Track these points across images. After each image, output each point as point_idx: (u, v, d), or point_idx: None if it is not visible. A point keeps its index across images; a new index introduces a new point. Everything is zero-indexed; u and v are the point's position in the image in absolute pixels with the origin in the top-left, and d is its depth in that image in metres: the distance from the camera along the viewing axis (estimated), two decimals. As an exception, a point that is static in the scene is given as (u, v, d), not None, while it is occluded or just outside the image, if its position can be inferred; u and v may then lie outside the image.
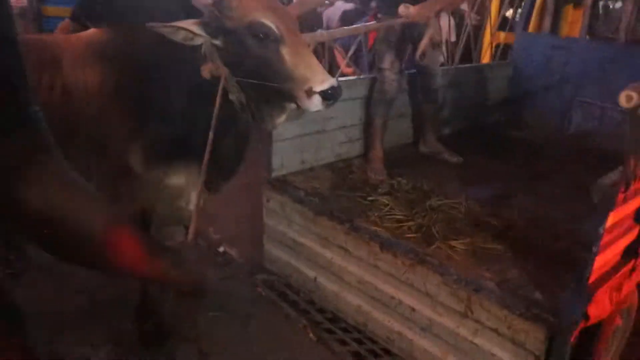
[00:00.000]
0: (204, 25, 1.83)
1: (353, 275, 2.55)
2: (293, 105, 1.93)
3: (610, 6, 4.78)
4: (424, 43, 2.83)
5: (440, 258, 2.25)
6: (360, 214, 2.60)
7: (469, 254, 2.29)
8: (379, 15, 3.14)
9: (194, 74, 1.93)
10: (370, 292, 2.49)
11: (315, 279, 2.78)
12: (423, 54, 2.90)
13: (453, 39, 5.07)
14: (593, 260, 1.76)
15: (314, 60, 1.88)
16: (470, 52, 4.55)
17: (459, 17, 5.60)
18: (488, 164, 3.56)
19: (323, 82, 1.81)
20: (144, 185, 2.08)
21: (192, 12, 1.92)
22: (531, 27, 4.79)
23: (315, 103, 1.82)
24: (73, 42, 2.04)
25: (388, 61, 3.07)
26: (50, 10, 5.76)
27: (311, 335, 2.60)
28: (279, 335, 2.64)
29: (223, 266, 3.22)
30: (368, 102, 3.29)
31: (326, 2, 5.81)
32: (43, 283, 2.89)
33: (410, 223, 2.50)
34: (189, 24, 1.81)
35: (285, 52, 1.83)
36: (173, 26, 1.79)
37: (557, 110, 4.44)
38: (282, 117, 2.05)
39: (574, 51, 4.35)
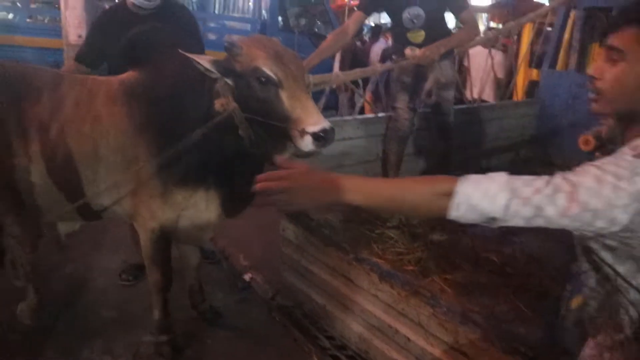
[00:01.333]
0: (217, 64, 2.09)
1: (357, 304, 2.68)
2: (293, 145, 2.11)
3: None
4: (428, 84, 3.00)
5: (433, 291, 2.36)
6: (366, 246, 2.75)
7: (462, 288, 2.40)
8: (394, 57, 3.33)
9: (210, 109, 2.19)
10: (371, 320, 2.61)
11: (324, 306, 2.92)
12: (429, 94, 3.07)
13: (500, 75, 5.16)
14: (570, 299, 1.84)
15: (310, 103, 2.07)
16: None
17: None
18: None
19: (315, 124, 1.97)
20: (166, 206, 2.35)
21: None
22: (558, 64, 4.85)
23: (307, 143, 1.98)
24: (110, 81, 2.40)
25: (401, 100, 3.24)
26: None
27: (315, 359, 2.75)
28: (285, 358, 2.79)
29: (242, 290, 3.42)
30: (385, 139, 3.46)
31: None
32: (76, 296, 3.19)
33: (410, 256, 2.63)
34: (204, 60, 2.08)
35: (284, 95, 2.04)
36: (192, 59, 2.08)
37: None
38: (285, 154, 2.25)
39: (601, 90, 4.38)
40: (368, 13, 3.10)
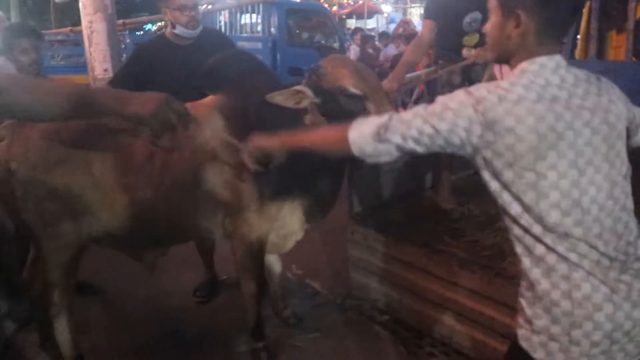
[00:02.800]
0: (309, 87, 2.32)
1: (435, 294, 2.88)
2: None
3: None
4: (484, 81, 3.22)
5: (513, 271, 2.55)
6: (438, 239, 2.94)
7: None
8: (440, 62, 3.52)
9: (296, 124, 2.37)
10: (452, 306, 2.80)
11: (400, 300, 3.11)
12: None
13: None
14: None
15: (391, 109, 2.29)
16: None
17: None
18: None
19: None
20: (263, 219, 2.55)
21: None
22: (578, 54, 5.07)
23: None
24: (199, 108, 2.50)
25: None
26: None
27: (402, 349, 2.94)
28: (373, 351, 2.96)
29: (313, 296, 3.61)
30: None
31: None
32: (158, 319, 3.37)
33: (483, 243, 2.83)
34: (302, 88, 2.32)
35: (369, 106, 2.27)
36: (290, 90, 2.31)
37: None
38: (383, 160, 2.47)
39: (622, 74, 4.60)
40: (435, 20, 3.28)
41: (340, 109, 2.29)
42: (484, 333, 2.68)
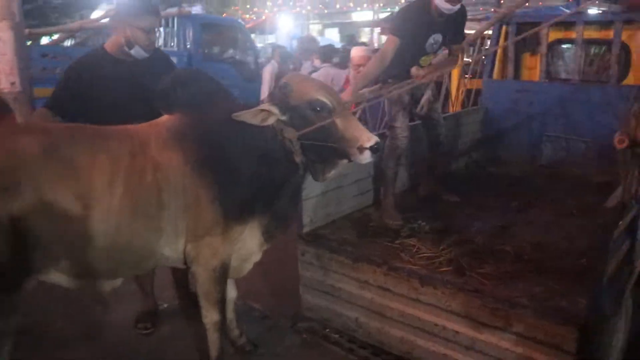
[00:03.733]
0: (276, 105, 2.34)
1: (395, 311, 2.90)
2: (345, 161, 2.45)
3: (564, 52, 5.43)
4: (425, 99, 3.35)
5: (474, 285, 2.65)
6: (393, 256, 2.98)
7: (497, 279, 2.70)
8: (390, 80, 3.57)
9: (258, 143, 2.40)
10: (413, 322, 2.83)
11: (356, 319, 3.10)
12: (422, 107, 3.43)
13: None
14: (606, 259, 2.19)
15: (358, 123, 2.42)
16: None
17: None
18: (480, 199, 4.04)
19: (370, 139, 2.34)
20: (226, 242, 2.47)
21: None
22: (496, 74, 5.42)
23: (366, 157, 2.34)
24: (155, 128, 2.42)
25: (401, 120, 3.53)
26: (39, 91, 6.04)
27: (363, 369, 2.93)
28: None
29: (261, 319, 3.51)
30: (382, 157, 3.73)
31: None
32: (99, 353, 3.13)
33: (440, 259, 2.90)
34: (268, 106, 2.33)
35: (337, 120, 2.34)
36: (257, 110, 2.31)
37: (528, 145, 5.02)
38: (332, 172, 2.54)
39: (536, 93, 4.97)
40: (402, 38, 3.34)
41: (307, 123, 2.34)
42: (445, 346, 2.74)
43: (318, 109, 2.33)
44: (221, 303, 2.63)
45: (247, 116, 2.31)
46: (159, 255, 2.47)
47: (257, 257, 2.74)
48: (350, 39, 10.02)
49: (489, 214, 3.70)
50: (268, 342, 3.20)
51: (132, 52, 2.92)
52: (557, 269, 2.79)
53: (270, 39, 22.85)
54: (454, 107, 5.84)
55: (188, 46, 8.61)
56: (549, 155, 4.90)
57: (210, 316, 2.62)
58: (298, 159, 2.42)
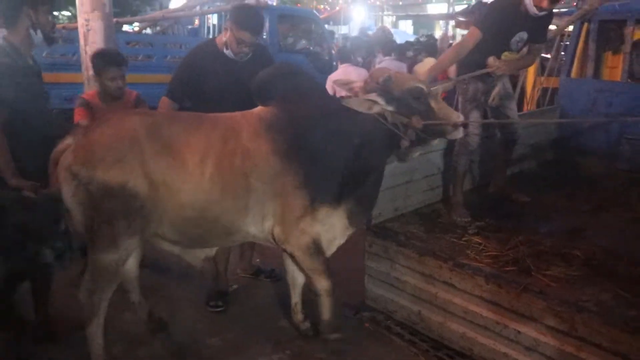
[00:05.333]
0: (382, 96, 2.61)
1: (458, 306, 2.94)
2: (435, 141, 2.88)
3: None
4: (496, 91, 3.36)
5: (540, 286, 2.65)
6: (460, 253, 3.02)
7: (564, 281, 2.69)
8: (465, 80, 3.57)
9: (354, 133, 2.65)
10: (476, 319, 2.87)
11: (419, 312, 3.17)
12: (494, 99, 3.46)
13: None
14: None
15: (445, 103, 2.74)
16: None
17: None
18: (552, 200, 3.98)
19: (459, 117, 2.72)
20: (315, 222, 2.70)
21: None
22: (574, 72, 5.26)
23: (459, 132, 2.73)
24: (248, 117, 2.68)
25: (474, 117, 3.53)
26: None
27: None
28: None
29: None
30: (446, 153, 3.75)
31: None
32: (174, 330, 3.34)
33: (506, 258, 2.91)
34: (375, 97, 2.60)
35: (432, 103, 2.64)
36: (363, 99, 2.60)
37: (605, 147, 4.85)
38: (417, 153, 2.89)
39: (617, 93, 4.80)
40: (485, 32, 3.35)
41: (409, 110, 2.60)
42: (507, 346, 2.76)
43: (418, 96, 2.60)
44: (327, 270, 2.84)
45: (354, 103, 2.59)
46: (245, 232, 2.71)
47: (340, 240, 2.91)
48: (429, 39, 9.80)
49: (559, 216, 3.65)
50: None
51: (226, 52, 3.24)
52: (628, 276, 2.74)
53: (344, 29, 22.92)
54: (529, 106, 5.71)
55: (265, 37, 8.81)
56: (628, 158, 4.71)
57: (319, 283, 2.87)
58: (406, 143, 2.67)
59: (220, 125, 2.63)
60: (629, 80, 4.95)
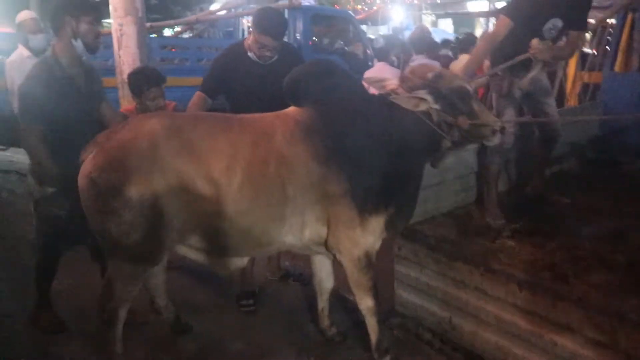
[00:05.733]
0: (431, 94, 2.46)
1: (490, 314, 2.79)
2: (473, 146, 2.76)
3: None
4: (532, 75, 3.17)
5: (578, 293, 2.48)
6: (492, 257, 2.87)
7: (604, 289, 2.51)
8: (499, 73, 3.36)
9: (397, 134, 2.52)
10: (509, 329, 2.71)
11: (450, 319, 3.03)
12: (526, 82, 3.27)
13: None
14: None
15: (485, 108, 2.57)
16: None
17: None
18: (593, 202, 3.75)
19: (497, 122, 2.54)
20: (367, 233, 2.56)
21: None
22: (618, 66, 4.99)
23: (497, 138, 2.55)
24: (282, 119, 2.53)
25: (509, 114, 3.35)
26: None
27: (455, 371, 2.86)
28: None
29: (354, 311, 3.51)
30: (479, 152, 3.59)
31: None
32: (204, 328, 3.29)
33: (541, 263, 2.75)
34: (423, 94, 2.46)
35: (474, 104, 2.49)
36: (411, 97, 2.45)
37: (652, 146, 4.59)
38: (449, 159, 2.72)
39: (664, 88, 4.53)
40: (515, 19, 3.19)
41: (456, 110, 2.46)
42: (542, 357, 2.60)
43: (464, 96, 2.47)
44: (373, 289, 2.72)
45: (403, 100, 2.45)
46: (281, 242, 2.58)
47: (379, 244, 2.74)
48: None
49: (601, 218, 3.43)
50: (358, 335, 3.21)
51: (249, 55, 3.23)
52: (676, 285, 2.54)
53: (382, 30, 22.74)
54: (570, 102, 5.45)
55: (298, 37, 8.77)
56: (676, 158, 4.45)
57: (364, 302, 2.73)
58: (448, 144, 2.55)
59: (250, 127, 2.47)
60: (678, 74, 4.67)
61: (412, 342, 3.13)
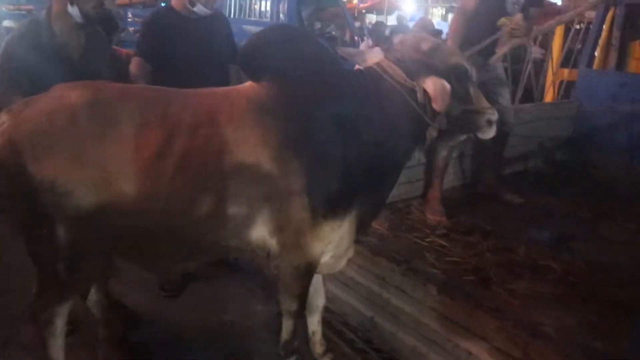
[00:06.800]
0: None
1: (409, 316, 2.57)
2: (463, 137, 2.23)
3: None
4: (497, 56, 2.90)
5: (497, 302, 2.26)
6: (418, 256, 2.64)
7: (527, 299, 2.29)
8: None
9: (376, 120, 2.03)
10: (427, 333, 2.50)
11: (372, 318, 2.81)
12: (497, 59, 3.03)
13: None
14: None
15: (482, 94, 2.14)
16: (531, 90, 4.55)
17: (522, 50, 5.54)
18: (549, 204, 3.54)
19: (494, 113, 2.11)
20: (316, 241, 2.07)
21: None
22: (596, 64, 4.73)
23: (492, 130, 2.12)
24: (232, 97, 2.04)
25: None
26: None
27: (367, 374, 2.64)
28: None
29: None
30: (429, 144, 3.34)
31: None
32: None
33: (467, 265, 2.52)
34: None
35: (471, 89, 2.08)
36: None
37: (625, 148, 4.33)
38: (444, 153, 2.45)
39: (642, 88, 4.27)
40: None
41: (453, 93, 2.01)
42: (458, 368, 2.38)
43: (462, 76, 2.05)
44: (304, 295, 2.30)
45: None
46: (223, 247, 2.12)
47: (351, 252, 2.30)
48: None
49: (551, 222, 3.20)
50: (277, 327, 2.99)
51: (195, 9, 2.99)
52: (607, 300, 2.31)
53: (390, 20, 22.41)
54: (546, 99, 5.19)
55: (281, 18, 8.54)
56: (649, 161, 4.19)
57: (286, 304, 2.30)
58: (434, 133, 2.03)
59: (192, 106, 1.97)
60: (659, 74, 4.40)
61: (332, 340, 2.90)
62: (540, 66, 4.95)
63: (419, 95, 1.99)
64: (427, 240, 2.79)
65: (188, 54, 2.95)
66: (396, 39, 2.28)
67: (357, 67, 2.19)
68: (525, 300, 2.27)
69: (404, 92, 1.99)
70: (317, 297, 2.54)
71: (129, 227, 1.93)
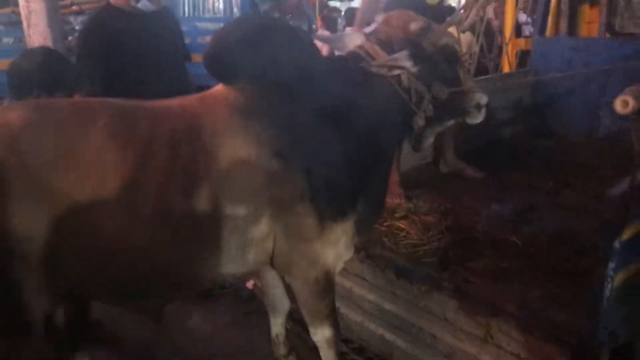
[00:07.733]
0: (411, 57, 1.87)
1: (373, 304, 2.51)
2: (451, 122, 2.08)
3: (631, 1, 4.56)
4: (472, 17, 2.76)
5: (457, 282, 2.19)
6: (376, 241, 2.56)
7: (487, 276, 2.23)
8: None
9: (368, 111, 1.88)
10: (392, 320, 2.44)
11: (338, 308, 2.72)
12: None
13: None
14: (613, 277, 1.67)
15: (470, 76, 2.08)
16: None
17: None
18: (510, 176, 3.47)
19: (483, 96, 2.02)
20: (328, 247, 1.90)
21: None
22: (548, 31, 4.68)
23: (482, 115, 2.04)
24: (209, 105, 1.80)
25: None
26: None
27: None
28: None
29: (247, 301, 3.19)
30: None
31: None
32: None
33: (426, 247, 2.45)
34: (404, 59, 1.85)
35: (460, 72, 1.98)
36: (389, 65, 1.85)
37: (584, 114, 4.30)
38: (432, 139, 2.12)
39: (595, 51, 4.23)
40: None
41: (435, 77, 1.91)
42: (424, 352, 2.32)
43: (451, 59, 1.95)
44: (332, 316, 2.08)
45: (382, 69, 1.87)
46: (217, 275, 1.86)
47: (348, 255, 2.07)
48: None
49: (512, 195, 3.13)
50: (245, 326, 2.89)
51: (139, 5, 2.84)
52: (569, 271, 2.25)
53: (355, 4, 22.17)
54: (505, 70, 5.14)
55: (235, 12, 8.34)
56: (608, 126, 4.14)
57: (320, 333, 2.07)
58: (421, 122, 1.92)
59: (163, 120, 1.70)
60: (608, 36, 4.35)
61: (300, 334, 2.81)
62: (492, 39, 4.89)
63: (404, 79, 1.87)
64: (385, 224, 2.70)
65: (139, 53, 2.76)
66: (379, 18, 2.06)
67: (336, 52, 2.09)
68: (485, 278, 2.21)
69: (389, 77, 1.87)
70: (283, 300, 2.40)
71: (105, 269, 1.66)
